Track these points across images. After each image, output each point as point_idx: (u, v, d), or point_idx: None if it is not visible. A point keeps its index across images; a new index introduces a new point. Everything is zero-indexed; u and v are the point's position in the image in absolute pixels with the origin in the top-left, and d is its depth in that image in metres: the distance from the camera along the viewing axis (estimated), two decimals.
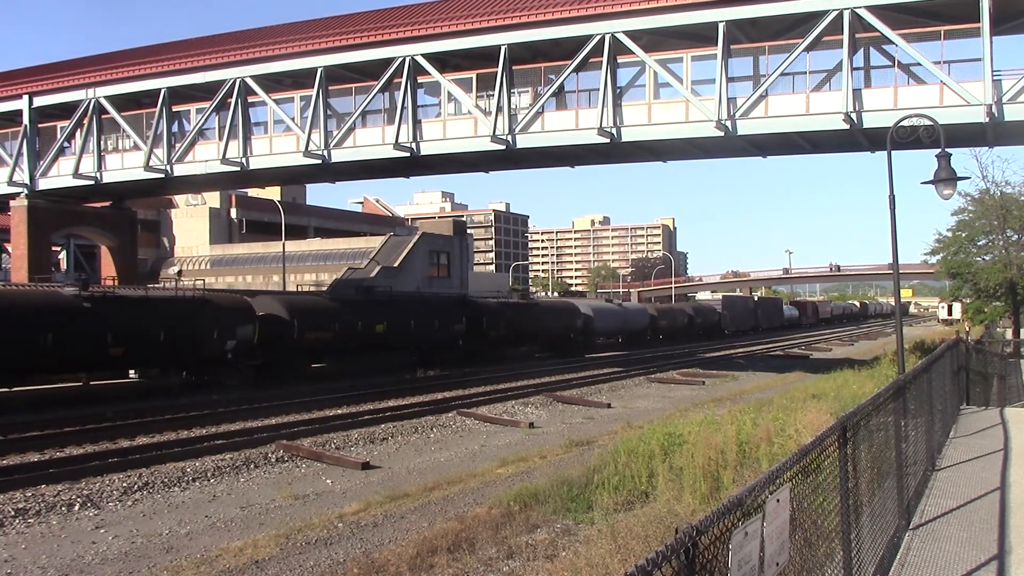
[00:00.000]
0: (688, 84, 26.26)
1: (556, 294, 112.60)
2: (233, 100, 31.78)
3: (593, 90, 27.65)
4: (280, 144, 32.04)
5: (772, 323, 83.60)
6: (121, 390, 24.32)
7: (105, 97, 34.25)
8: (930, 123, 14.64)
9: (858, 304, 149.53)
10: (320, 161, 31.04)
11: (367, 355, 31.73)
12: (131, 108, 34.53)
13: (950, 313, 75.93)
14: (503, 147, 28.45)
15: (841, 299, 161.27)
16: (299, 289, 44.30)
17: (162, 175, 33.88)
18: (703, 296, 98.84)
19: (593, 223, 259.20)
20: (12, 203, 37.16)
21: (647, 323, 56.06)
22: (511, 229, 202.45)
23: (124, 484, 12.64)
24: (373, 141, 30.59)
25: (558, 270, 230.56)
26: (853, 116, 24.06)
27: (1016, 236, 38.64)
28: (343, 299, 32.16)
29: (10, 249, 40.01)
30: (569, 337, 44.50)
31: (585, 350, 45.19)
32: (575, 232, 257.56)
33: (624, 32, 26.34)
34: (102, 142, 35.23)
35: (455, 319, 35.10)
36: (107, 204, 41.35)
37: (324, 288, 42.58)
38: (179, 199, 63.93)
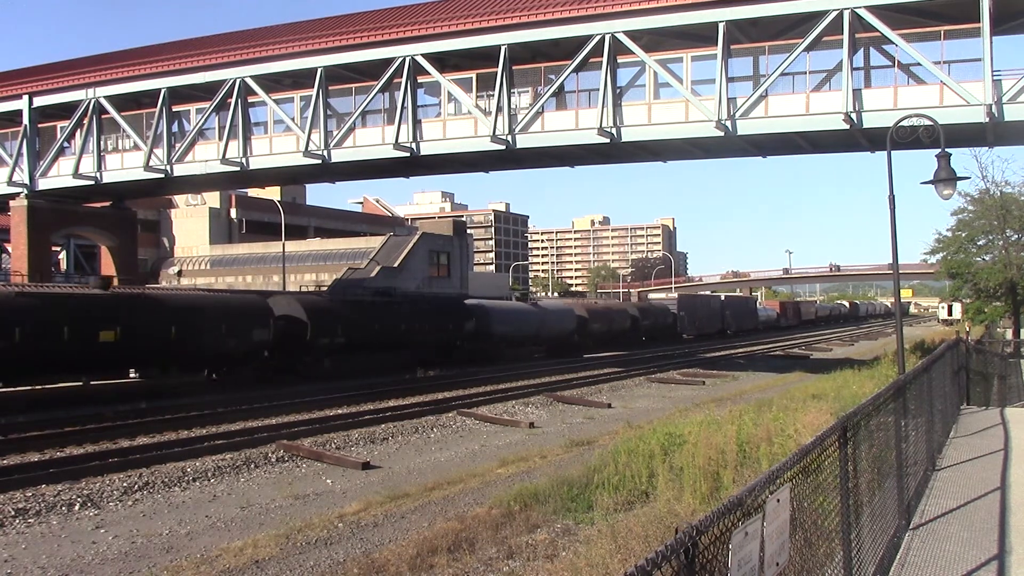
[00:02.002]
0: (688, 84, 26.26)
1: (556, 294, 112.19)
2: (233, 100, 31.78)
3: (593, 90, 27.66)
4: (280, 144, 32.04)
5: (743, 326, 73.70)
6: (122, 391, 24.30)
7: (105, 97, 34.25)
8: (930, 123, 14.64)
9: (847, 304, 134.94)
10: (320, 161, 31.04)
11: (89, 373, 23.37)
12: (131, 108, 34.54)
13: (950, 313, 75.81)
14: (503, 147, 28.45)
15: (840, 297, 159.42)
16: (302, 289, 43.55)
17: (162, 175, 33.88)
18: (657, 296, 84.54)
19: (593, 223, 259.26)
20: (12, 203, 37.16)
21: (573, 327, 45.33)
22: (511, 229, 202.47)
23: (124, 484, 12.64)
24: (373, 141, 30.59)
25: (558, 270, 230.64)
26: (853, 116, 24.06)
27: (1016, 236, 38.67)
28: (41, 295, 22.21)
29: (10, 249, 40.02)
30: (453, 344, 35.42)
31: (475, 360, 35.62)
32: (575, 232, 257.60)
33: (624, 32, 26.34)
34: (102, 142, 35.23)
35: (256, 323, 26.37)
36: (107, 204, 41.35)
37: (324, 289, 42.53)
38: (179, 199, 63.94)
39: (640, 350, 47.19)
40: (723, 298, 75.75)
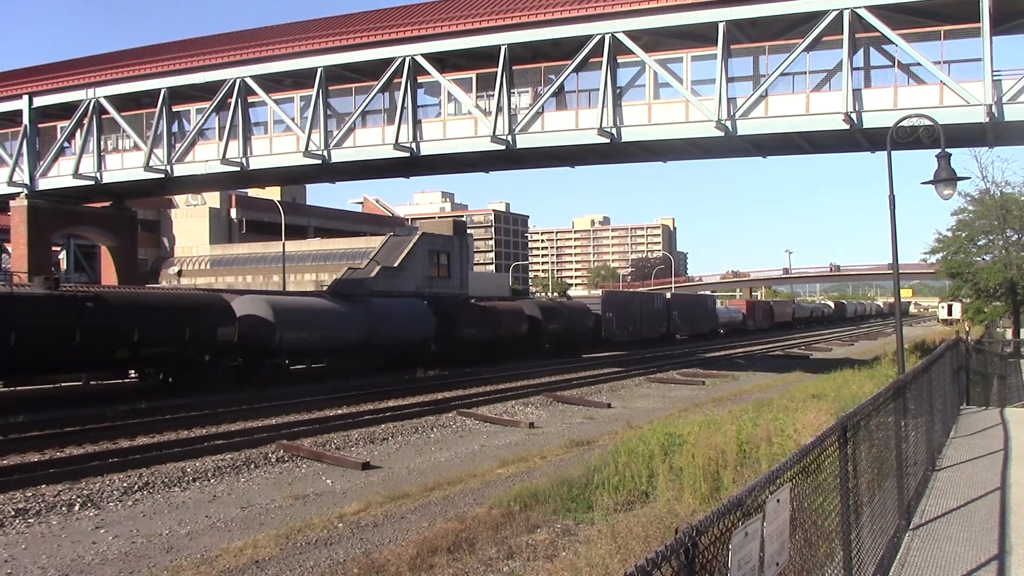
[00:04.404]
0: (688, 84, 26.26)
1: (555, 295, 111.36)
2: (233, 100, 31.80)
3: (593, 90, 27.67)
4: (280, 144, 32.05)
5: (698, 329, 62.89)
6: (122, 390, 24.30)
7: (105, 97, 34.26)
8: (930, 123, 14.65)
9: (832, 304, 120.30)
10: (320, 161, 31.05)
11: None
12: (131, 108, 34.55)
13: (950, 313, 75.80)
14: (503, 147, 28.46)
15: (840, 297, 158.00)
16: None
17: (162, 175, 33.90)
18: (578, 293, 67.84)
19: (593, 223, 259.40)
20: (12, 203, 37.18)
21: (431, 332, 33.50)
22: (511, 229, 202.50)
23: (124, 484, 12.64)
24: (373, 141, 30.60)
25: (558, 270, 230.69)
26: (853, 116, 24.07)
27: (1016, 236, 38.70)
28: None
29: (10, 249, 40.02)
30: (197, 361, 24.46)
31: (244, 384, 25.44)
32: (575, 232, 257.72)
33: (624, 32, 26.35)
34: (102, 142, 35.25)
35: None
36: (107, 204, 41.37)
37: (324, 288, 42.52)
38: (179, 199, 63.95)
39: (540, 363, 36.04)
40: (669, 296, 63.67)
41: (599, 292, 57.45)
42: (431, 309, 34.33)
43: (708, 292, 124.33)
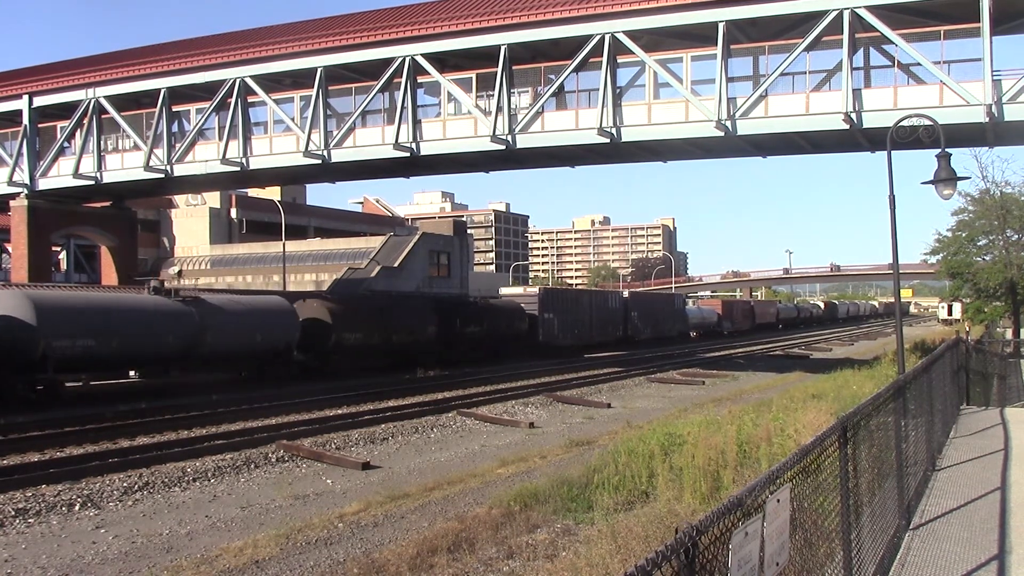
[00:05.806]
0: (688, 84, 26.25)
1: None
2: (233, 100, 31.77)
3: (593, 90, 27.65)
4: (280, 144, 32.03)
5: (663, 332, 57.11)
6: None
7: (105, 97, 34.24)
8: (930, 123, 14.64)
9: (822, 305, 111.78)
10: (320, 161, 31.04)
11: None
12: (131, 108, 34.53)
13: (950, 313, 75.79)
14: (503, 147, 28.44)
15: (840, 297, 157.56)
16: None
17: (162, 175, 33.87)
18: (512, 292, 53.60)
19: (593, 223, 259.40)
20: (12, 203, 37.16)
21: (294, 337, 27.77)
22: (511, 229, 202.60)
23: (124, 484, 12.64)
24: (373, 141, 30.58)
25: (558, 270, 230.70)
26: (853, 116, 24.06)
27: (1016, 236, 38.70)
28: None
29: (10, 249, 40.02)
30: None
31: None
32: (575, 232, 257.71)
33: (624, 32, 26.34)
34: (102, 142, 35.23)
35: None
36: (107, 204, 41.36)
37: (324, 288, 42.49)
38: (179, 199, 63.95)
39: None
40: (627, 295, 57.06)
41: (535, 289, 49.22)
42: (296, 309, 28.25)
43: (708, 292, 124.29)
